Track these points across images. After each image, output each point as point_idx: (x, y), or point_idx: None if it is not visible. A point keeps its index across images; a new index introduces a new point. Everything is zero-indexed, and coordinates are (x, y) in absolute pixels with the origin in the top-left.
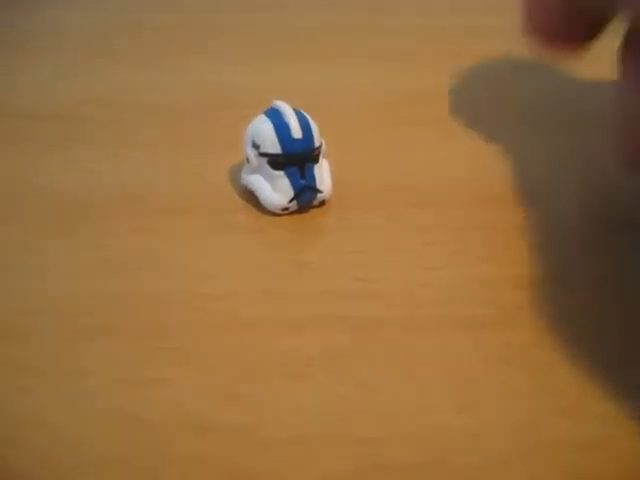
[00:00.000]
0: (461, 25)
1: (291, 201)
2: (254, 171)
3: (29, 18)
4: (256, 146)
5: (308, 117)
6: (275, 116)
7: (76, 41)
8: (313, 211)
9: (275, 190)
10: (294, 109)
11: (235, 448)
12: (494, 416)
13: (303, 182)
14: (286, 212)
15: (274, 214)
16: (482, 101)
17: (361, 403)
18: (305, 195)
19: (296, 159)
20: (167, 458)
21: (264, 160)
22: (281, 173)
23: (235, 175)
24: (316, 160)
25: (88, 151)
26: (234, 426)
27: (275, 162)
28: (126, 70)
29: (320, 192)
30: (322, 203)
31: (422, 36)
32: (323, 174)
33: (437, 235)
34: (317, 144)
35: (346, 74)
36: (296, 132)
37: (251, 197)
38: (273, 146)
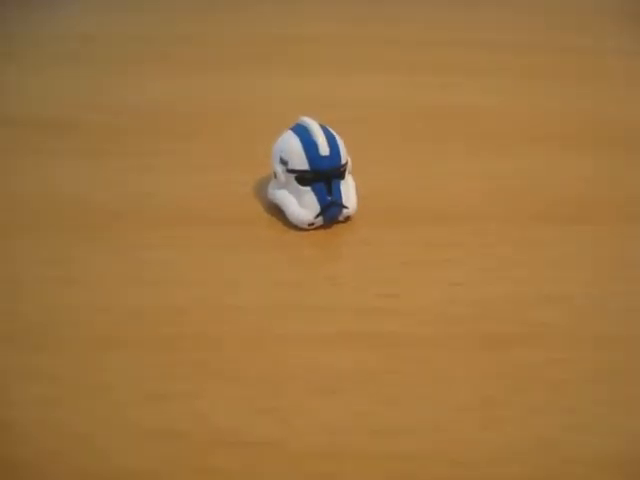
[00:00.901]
0: (486, 39)
1: (317, 217)
2: (281, 186)
3: (45, 26)
4: (284, 162)
5: (335, 134)
6: (303, 133)
7: (100, 50)
8: (338, 226)
9: (302, 205)
10: (321, 125)
11: (265, 462)
12: (518, 432)
13: (330, 198)
14: (312, 227)
15: (300, 229)
16: (506, 116)
17: (385, 420)
18: (331, 211)
19: (323, 176)
20: (197, 471)
21: (292, 176)
22: (308, 189)
23: (261, 189)
24: (342, 177)
25: (113, 161)
26: (264, 440)
27: (302, 178)
28: (154, 82)
29: (346, 208)
30: (347, 219)
31: (445, 50)
32: (349, 190)
33: (461, 251)
34: (344, 161)
35: (369, 87)
36: (324, 149)
37: (277, 211)
38: (301, 163)
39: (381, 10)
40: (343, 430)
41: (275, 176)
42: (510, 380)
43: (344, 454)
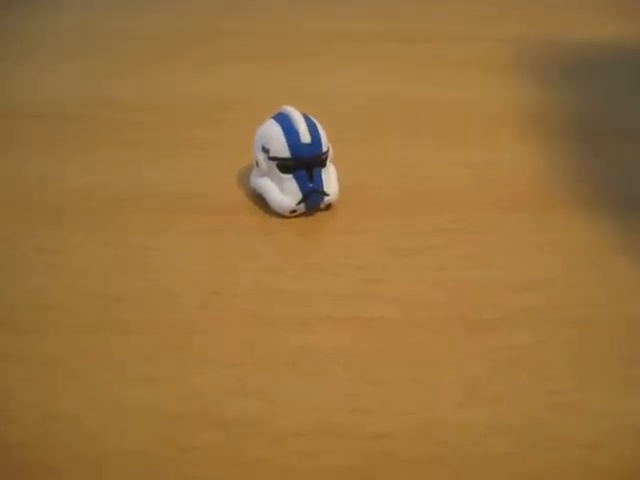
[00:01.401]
0: (476, 35)
1: (299, 204)
2: (263, 174)
3: (46, 19)
4: (266, 150)
5: (316, 122)
6: (284, 121)
7: (94, 45)
8: (320, 214)
9: (284, 193)
10: (303, 114)
11: (249, 440)
12: (499, 413)
13: (311, 186)
14: (294, 215)
15: (282, 216)
16: (492, 109)
17: (369, 400)
18: (313, 198)
19: (304, 163)
20: (181, 449)
21: (273, 164)
22: (290, 177)
23: (244, 177)
24: (324, 164)
25: (97, 152)
26: (248, 420)
27: (284, 166)
28: (142, 74)
29: (327, 195)
30: (329, 206)
31: (434, 45)
32: (330, 178)
33: (442, 239)
34: (325, 149)
35: (352, 80)
36: (305, 137)
37: (259, 200)
38: (282, 150)
39: (366, 6)
40: (326, 410)
41: (257, 164)
42: (493, 362)
43: (327, 433)
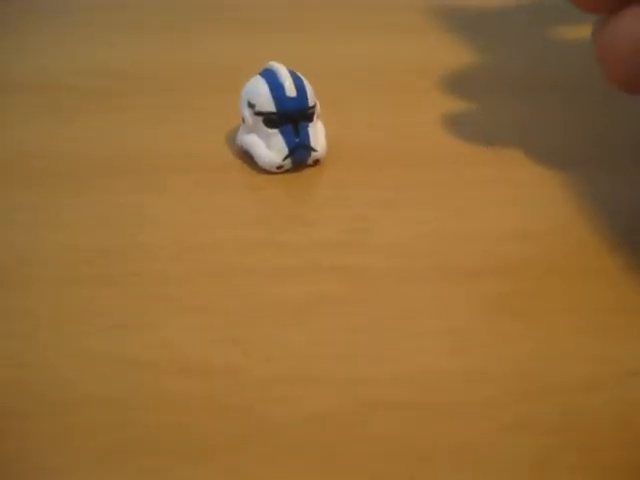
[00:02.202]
0: (469, 2)
1: (285, 159)
2: (250, 131)
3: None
4: (251, 105)
5: (302, 77)
6: (270, 76)
7: (76, 15)
8: (307, 170)
9: (270, 148)
10: (289, 70)
11: (227, 387)
12: (485, 359)
13: (297, 140)
14: (281, 170)
15: (269, 173)
16: (478, 72)
17: (352, 347)
18: (299, 153)
19: (290, 117)
20: (158, 396)
21: (259, 119)
22: (275, 131)
23: (232, 137)
24: (310, 119)
25: (89, 118)
26: (225, 366)
27: (270, 120)
28: (126, 42)
29: (314, 151)
30: (316, 162)
31: (422, 11)
32: (317, 134)
33: (430, 192)
34: (311, 103)
35: (344, 44)
36: (290, 91)
37: (247, 157)
38: (268, 105)
39: None
40: (309, 356)
41: (243, 121)
42: (479, 310)
43: (310, 378)
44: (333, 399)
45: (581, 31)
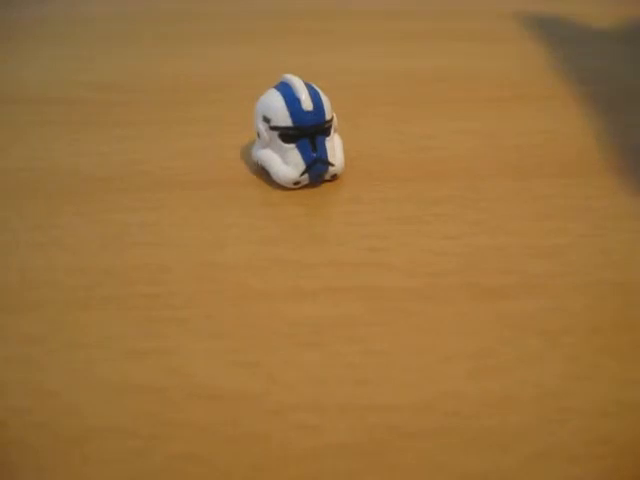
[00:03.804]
0: (479, 9)
1: (302, 174)
2: (265, 146)
3: (42, 8)
4: (267, 120)
5: (319, 90)
6: (285, 89)
7: (86, 29)
8: (325, 185)
9: (286, 163)
10: (305, 82)
11: (242, 414)
12: (511, 383)
13: (314, 155)
14: (298, 186)
15: (285, 189)
16: (493, 82)
17: (374, 371)
18: (316, 168)
19: (307, 132)
20: (172, 425)
21: (275, 134)
22: (292, 146)
23: (247, 152)
24: (327, 133)
25: (102, 132)
26: (242, 392)
27: (286, 135)
28: (137, 55)
29: (332, 165)
30: (334, 177)
31: (438, 19)
32: (335, 148)
33: (451, 207)
34: (328, 117)
35: (359, 56)
36: (307, 105)
37: (263, 173)
38: (284, 119)
39: None
40: (328, 382)
41: (258, 136)
42: (502, 331)
43: (329, 406)
44: (352, 427)
45: None
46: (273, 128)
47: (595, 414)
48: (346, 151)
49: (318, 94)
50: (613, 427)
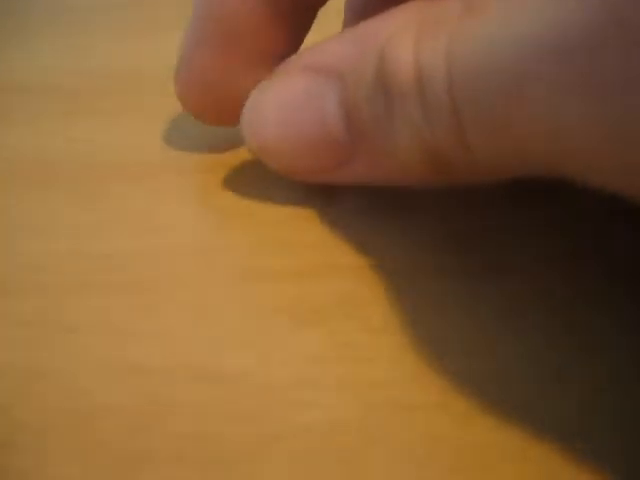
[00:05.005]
0: None
1: None
2: None
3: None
4: None
5: None
6: None
7: (77, 15)
8: None
9: None
10: None
11: (237, 392)
12: (507, 359)
13: None
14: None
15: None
16: None
17: (375, 349)
18: None
19: None
20: (174, 404)
21: None
22: None
23: (240, 142)
24: None
25: (86, 120)
26: (236, 371)
27: None
28: (118, 43)
29: None
30: None
31: None
32: None
33: (446, 190)
34: None
35: None
36: None
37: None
38: None
39: None
40: (326, 360)
41: None
42: (501, 308)
43: (327, 383)
44: (353, 403)
45: None
46: None
47: (598, 388)
48: None
49: None
50: (614, 400)
